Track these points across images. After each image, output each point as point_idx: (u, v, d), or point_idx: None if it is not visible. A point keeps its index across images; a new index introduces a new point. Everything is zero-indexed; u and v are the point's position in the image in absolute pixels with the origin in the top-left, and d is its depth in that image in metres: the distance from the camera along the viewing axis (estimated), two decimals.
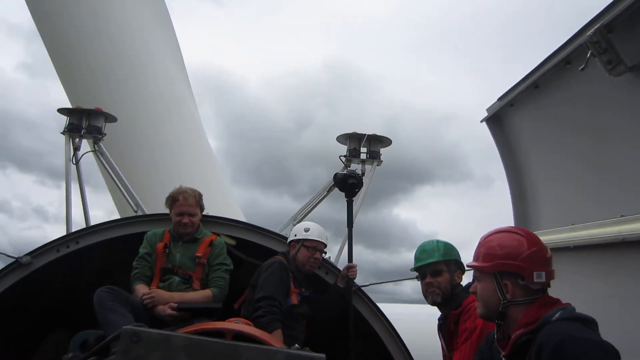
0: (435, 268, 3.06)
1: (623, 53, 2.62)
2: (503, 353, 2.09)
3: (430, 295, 3.09)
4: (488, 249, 2.19)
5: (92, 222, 4.85)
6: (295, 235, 4.08)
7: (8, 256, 4.21)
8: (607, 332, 2.03)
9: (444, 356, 3.12)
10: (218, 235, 4.26)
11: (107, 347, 2.85)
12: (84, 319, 3.84)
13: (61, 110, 5.26)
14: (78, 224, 4.96)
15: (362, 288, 4.31)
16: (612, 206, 2.99)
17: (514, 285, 2.08)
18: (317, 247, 4.03)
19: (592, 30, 2.68)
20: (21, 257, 4.14)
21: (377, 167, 5.34)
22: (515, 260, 2.08)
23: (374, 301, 4.29)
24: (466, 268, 2.40)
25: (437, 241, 3.17)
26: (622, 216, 2.88)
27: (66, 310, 4.61)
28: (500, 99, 4.13)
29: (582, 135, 3.29)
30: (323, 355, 2.22)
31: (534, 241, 2.15)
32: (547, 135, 3.69)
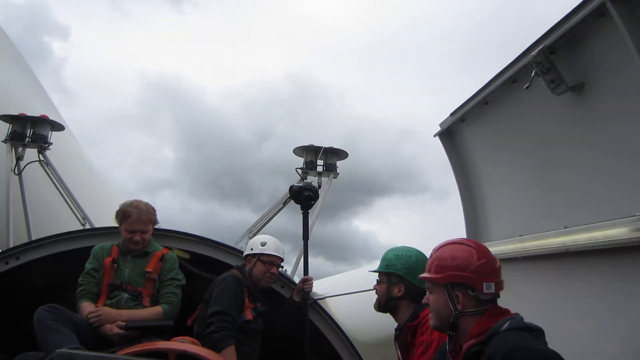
0: (379, 276, 3.18)
1: (565, 73, 2.77)
2: None
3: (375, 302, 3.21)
4: (440, 260, 2.24)
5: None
6: (252, 249, 4.00)
7: None
8: (554, 340, 2.10)
9: None
10: (170, 249, 4.14)
11: None
12: (25, 341, 3.61)
13: (3, 118, 5.00)
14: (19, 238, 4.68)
15: (317, 301, 4.28)
16: (557, 218, 3.12)
17: (464, 296, 2.13)
18: (274, 261, 3.96)
19: (536, 51, 2.81)
20: None
21: (333, 179, 5.37)
22: (465, 272, 2.13)
23: (330, 314, 4.28)
24: (420, 276, 2.43)
25: (392, 250, 3.21)
26: (565, 227, 3.01)
27: (4, 331, 4.33)
28: (452, 114, 4.25)
29: (528, 150, 3.42)
30: None
31: (484, 253, 2.21)
32: (497, 150, 3.82)
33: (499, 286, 2.16)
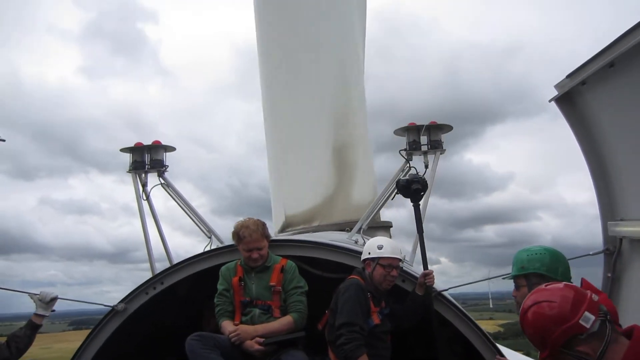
0: (516, 282, 3.12)
1: None
2: None
3: (516, 306, 3.06)
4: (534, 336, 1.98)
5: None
6: (369, 254, 4.02)
7: (105, 305, 4.54)
8: None
9: None
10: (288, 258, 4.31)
11: None
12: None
13: (124, 150, 5.46)
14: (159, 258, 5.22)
15: (442, 293, 4.22)
16: None
17: (582, 344, 1.88)
18: (392, 264, 3.95)
19: None
20: (116, 305, 4.45)
21: (440, 155, 5.10)
22: (560, 327, 1.88)
23: (456, 304, 4.20)
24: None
25: (524, 252, 3.13)
26: None
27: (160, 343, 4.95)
28: (569, 76, 3.72)
29: None
30: None
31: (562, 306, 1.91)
32: (630, 118, 3.29)
33: (594, 308, 1.90)
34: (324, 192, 6.90)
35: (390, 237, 6.33)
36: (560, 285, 2.02)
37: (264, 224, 4.17)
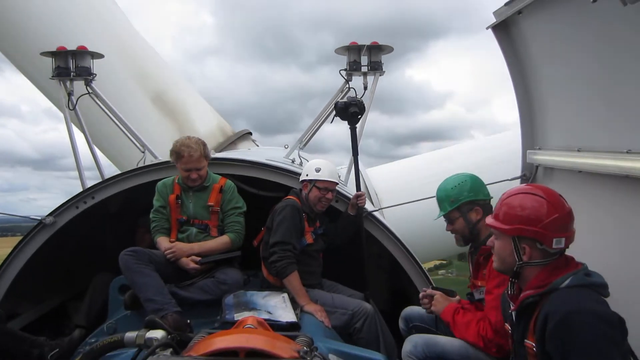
0: (449, 217, 3.24)
1: None
2: (512, 308, 2.24)
3: (456, 242, 3.31)
4: (509, 208, 2.21)
5: None
6: (307, 175, 4.11)
7: (32, 218, 4.42)
8: (608, 260, 1.97)
9: (470, 279, 3.35)
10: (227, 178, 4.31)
11: None
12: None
13: (44, 54, 5.02)
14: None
15: (372, 213, 4.44)
16: (619, 139, 2.89)
17: (531, 248, 2.14)
18: (329, 187, 4.07)
19: None
20: (44, 218, 4.35)
21: (380, 77, 5.10)
22: (535, 226, 2.10)
23: (386, 224, 4.46)
24: (486, 222, 2.43)
25: (445, 188, 3.24)
26: (628, 151, 2.80)
27: (98, 255, 4.96)
28: (507, 3, 3.75)
29: (593, 58, 3.03)
30: None
31: (556, 205, 2.14)
32: (558, 52, 3.40)
33: (570, 239, 2.14)
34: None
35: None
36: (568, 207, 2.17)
37: (204, 144, 4.07)
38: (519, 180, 4.19)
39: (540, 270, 2.15)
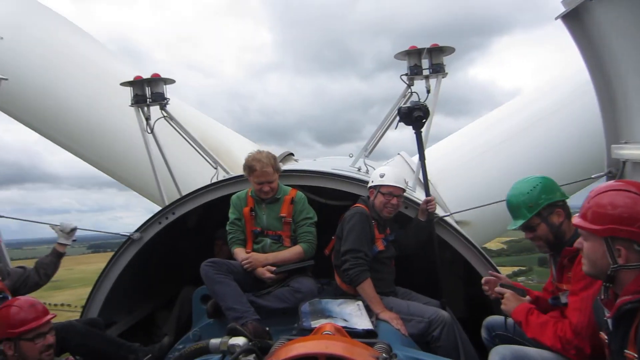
0: (528, 224, 2.98)
1: None
2: (608, 315, 2.07)
3: (539, 249, 3.09)
4: (598, 207, 2.05)
5: None
6: (372, 182, 4.12)
7: (122, 235, 4.76)
8: None
9: (550, 283, 3.18)
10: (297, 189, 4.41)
11: None
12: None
13: (123, 84, 5.41)
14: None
15: (443, 218, 4.34)
16: None
17: (627, 250, 1.97)
18: (393, 192, 4.05)
19: None
20: (132, 234, 4.68)
21: (442, 79, 5.01)
22: (631, 226, 1.94)
23: (458, 229, 4.34)
24: (573, 222, 2.26)
25: (515, 195, 3.03)
26: None
27: (177, 267, 5.25)
28: None
29: None
30: None
31: None
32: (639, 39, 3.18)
33: None
34: None
35: None
36: None
37: (275, 158, 4.22)
38: (603, 178, 3.91)
39: (638, 274, 1.98)
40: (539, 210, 2.93)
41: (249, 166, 4.13)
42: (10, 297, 3.89)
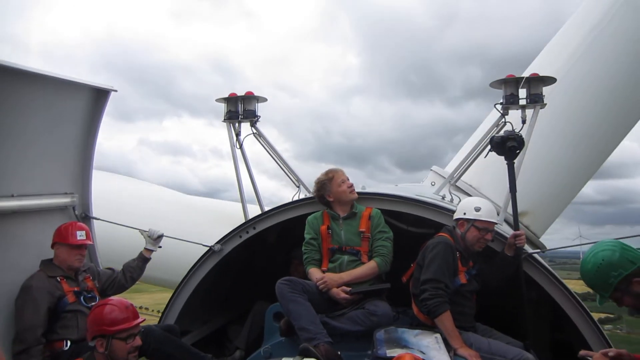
0: (613, 299, 2.80)
1: None
2: None
3: (628, 312, 2.96)
4: None
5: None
6: (465, 214, 3.98)
7: (204, 245, 4.96)
8: None
9: None
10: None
11: None
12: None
13: (219, 100, 5.69)
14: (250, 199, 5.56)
15: (532, 255, 4.10)
16: None
17: None
18: (488, 227, 3.90)
19: None
20: (214, 245, 4.86)
21: (540, 110, 4.76)
22: None
23: (547, 266, 4.07)
24: None
25: (588, 271, 2.81)
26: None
27: (255, 281, 5.36)
28: None
29: None
30: None
31: None
32: None
33: None
34: None
35: None
36: None
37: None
38: None
39: None
40: (614, 288, 2.72)
41: (329, 176, 4.38)
42: (98, 297, 4.17)
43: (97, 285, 4.31)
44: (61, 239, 4.09)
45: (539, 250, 4.25)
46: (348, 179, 4.41)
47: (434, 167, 7.40)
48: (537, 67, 6.23)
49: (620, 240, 3.03)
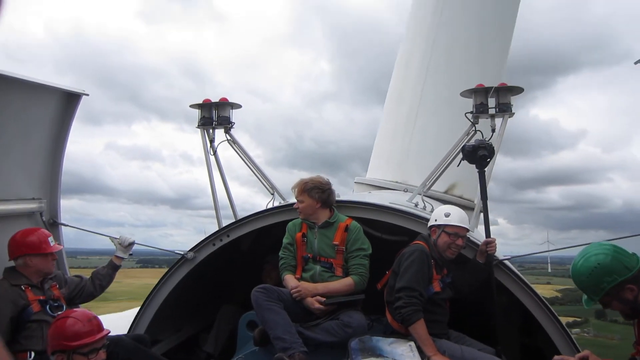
0: (601, 302, 2.90)
1: None
2: None
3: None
4: None
5: None
6: (436, 220, 4.03)
7: (177, 253, 4.88)
8: None
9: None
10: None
11: None
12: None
13: (193, 106, 5.63)
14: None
15: (503, 261, 4.17)
16: None
17: None
18: (459, 232, 3.94)
19: None
20: (187, 253, 4.78)
21: (509, 119, 4.88)
22: None
23: (518, 273, 4.15)
24: None
25: (580, 274, 2.88)
26: None
27: (228, 287, 5.30)
28: None
29: None
30: None
31: None
32: None
33: None
34: None
35: None
36: None
37: (312, 185, 4.27)
38: None
39: None
40: (605, 292, 2.79)
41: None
42: (65, 306, 4.04)
43: (64, 293, 4.16)
44: (34, 250, 3.91)
45: (509, 257, 4.32)
46: (298, 202, 4.33)
47: (357, 178, 7.71)
48: None
49: (612, 242, 3.09)
